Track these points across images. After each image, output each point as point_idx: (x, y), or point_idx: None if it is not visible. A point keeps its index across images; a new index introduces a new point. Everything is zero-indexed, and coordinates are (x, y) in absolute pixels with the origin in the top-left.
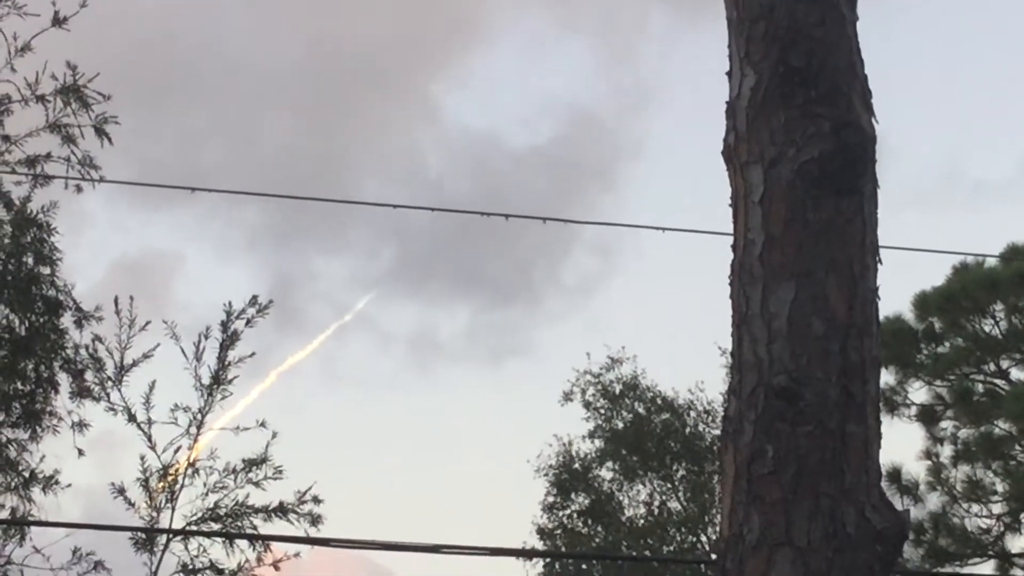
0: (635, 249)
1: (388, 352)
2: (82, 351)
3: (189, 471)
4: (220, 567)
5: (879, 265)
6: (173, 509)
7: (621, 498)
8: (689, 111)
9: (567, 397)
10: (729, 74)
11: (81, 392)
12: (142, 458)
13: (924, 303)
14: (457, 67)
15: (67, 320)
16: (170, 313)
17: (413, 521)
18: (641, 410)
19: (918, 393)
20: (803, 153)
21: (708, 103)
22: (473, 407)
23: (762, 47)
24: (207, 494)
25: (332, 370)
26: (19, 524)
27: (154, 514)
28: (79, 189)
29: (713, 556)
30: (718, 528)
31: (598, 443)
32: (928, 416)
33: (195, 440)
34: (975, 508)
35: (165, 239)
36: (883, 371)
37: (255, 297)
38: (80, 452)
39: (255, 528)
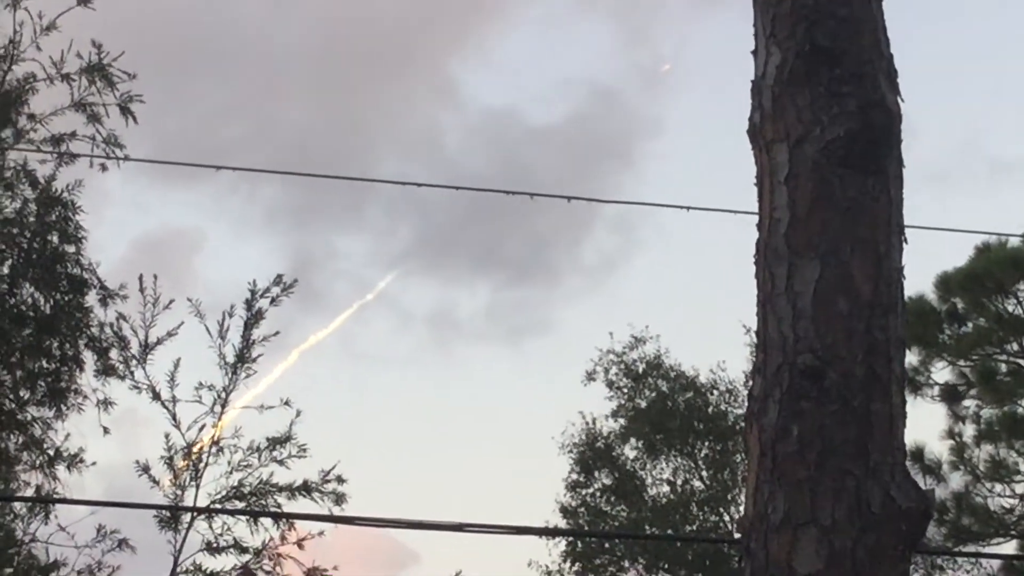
0: (656, 227)
1: (407, 330)
2: (107, 329)
3: (213, 449)
4: (244, 545)
5: (904, 244)
6: (197, 487)
7: (644, 476)
8: (709, 89)
9: (590, 376)
10: (754, 52)
11: (106, 370)
12: (167, 436)
13: (947, 283)
14: (475, 45)
15: (92, 298)
16: (191, 290)
17: (434, 498)
18: (665, 389)
19: (941, 373)
20: (829, 132)
21: (729, 81)
22: (493, 386)
23: (788, 25)
24: (231, 472)
25: (351, 348)
26: (45, 502)
27: (178, 492)
28: (104, 168)
29: (737, 535)
30: (742, 507)
31: (621, 422)
32: (951, 396)
33: (219, 418)
34: (998, 488)
35: (184, 216)
36: (907, 351)
37: (280, 276)
38: (105, 430)
39: (279, 506)
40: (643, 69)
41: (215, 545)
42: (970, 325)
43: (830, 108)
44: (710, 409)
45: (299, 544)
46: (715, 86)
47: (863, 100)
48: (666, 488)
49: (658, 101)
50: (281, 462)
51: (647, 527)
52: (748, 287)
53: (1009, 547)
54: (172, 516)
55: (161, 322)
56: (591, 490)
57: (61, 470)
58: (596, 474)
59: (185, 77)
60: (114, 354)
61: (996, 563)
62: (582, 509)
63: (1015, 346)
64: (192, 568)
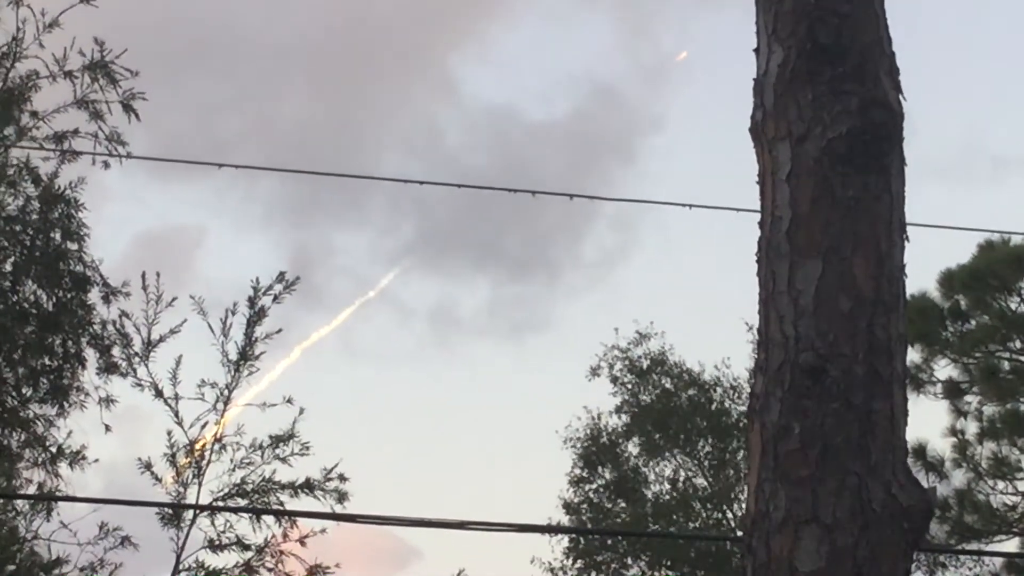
0: (656, 224)
1: (408, 327)
2: (109, 327)
3: (216, 447)
4: (247, 542)
5: (906, 242)
6: (200, 485)
7: (647, 473)
8: (710, 84)
9: (594, 372)
10: (756, 51)
11: (108, 368)
12: (169, 433)
13: (950, 281)
14: (476, 40)
15: (94, 296)
16: (191, 286)
17: (436, 494)
18: (668, 385)
19: (944, 370)
20: (831, 130)
21: (729, 77)
22: (494, 382)
23: (790, 23)
24: (234, 470)
25: (352, 344)
26: (47, 499)
27: (181, 489)
28: (106, 165)
29: (739, 533)
30: (744, 505)
31: (624, 418)
32: (953, 393)
33: (222, 416)
34: (1000, 485)
35: (183, 212)
36: (909, 349)
37: (282, 274)
38: (107, 428)
39: (282, 504)
40: (644, 65)
41: (217, 543)
42: (972, 322)
43: (832, 106)
44: (713, 406)
45: (301, 541)
46: (716, 82)
47: (865, 98)
48: (668, 486)
49: (659, 97)
50: (284, 459)
51: (649, 524)
52: (750, 284)
53: (1012, 544)
54: (174, 513)
55: (163, 319)
56: (594, 486)
57: (63, 467)
58: (600, 469)
59: (185, 72)
60: (116, 351)
61: (999, 561)
62: (584, 505)
63: (1018, 343)
64: (194, 565)
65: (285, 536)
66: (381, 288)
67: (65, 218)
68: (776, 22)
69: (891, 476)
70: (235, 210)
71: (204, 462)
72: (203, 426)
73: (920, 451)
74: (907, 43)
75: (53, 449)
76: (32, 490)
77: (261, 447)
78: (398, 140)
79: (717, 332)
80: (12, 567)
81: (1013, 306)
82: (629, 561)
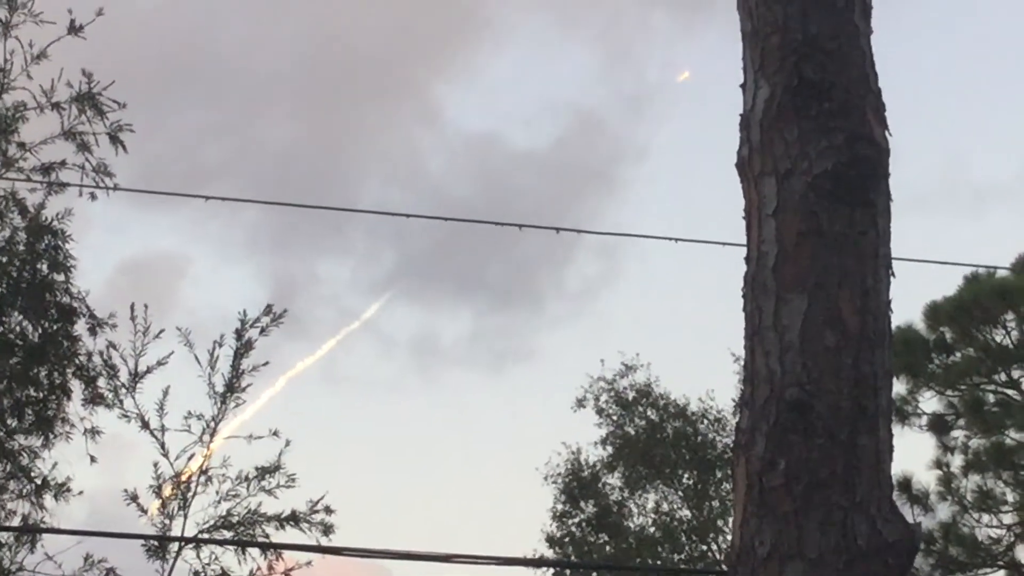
0: (640, 254)
1: (391, 356)
2: (95, 358)
3: (202, 479)
4: (232, 575)
5: (891, 278)
6: (185, 517)
7: (630, 506)
8: (694, 113)
9: (580, 403)
10: (743, 86)
11: (94, 399)
12: (155, 465)
13: (935, 313)
14: (459, 68)
15: (81, 327)
16: (175, 314)
17: (421, 525)
18: (654, 417)
19: (929, 403)
20: (817, 166)
21: (715, 107)
22: (477, 412)
23: (777, 59)
24: (220, 502)
25: (334, 374)
26: (32, 532)
27: (166, 521)
28: (93, 196)
29: (724, 567)
30: (728, 538)
31: (608, 450)
32: (939, 426)
33: (208, 448)
34: (985, 518)
35: (167, 240)
36: (894, 381)
37: (270, 306)
38: (92, 459)
39: (267, 536)
40: (627, 93)
41: (203, 575)
42: (958, 354)
43: (818, 142)
44: (699, 438)
45: (287, 574)
46: (701, 112)
47: (851, 134)
48: (652, 518)
49: (643, 126)
50: (269, 491)
51: (635, 558)
52: (735, 315)
53: None
54: (160, 546)
55: (151, 350)
56: (577, 520)
57: (48, 499)
58: (582, 504)
59: (168, 99)
60: (103, 382)
61: None
62: (567, 539)
63: (1003, 376)
64: None
65: (271, 569)
66: (365, 319)
67: (52, 249)
68: (763, 58)
69: (876, 511)
70: (218, 238)
71: (190, 494)
72: (189, 458)
73: (905, 484)
74: (888, 69)
75: (38, 481)
76: (16, 522)
77: (247, 479)
78: (381, 167)
79: (702, 364)
80: None
81: (999, 338)
82: None
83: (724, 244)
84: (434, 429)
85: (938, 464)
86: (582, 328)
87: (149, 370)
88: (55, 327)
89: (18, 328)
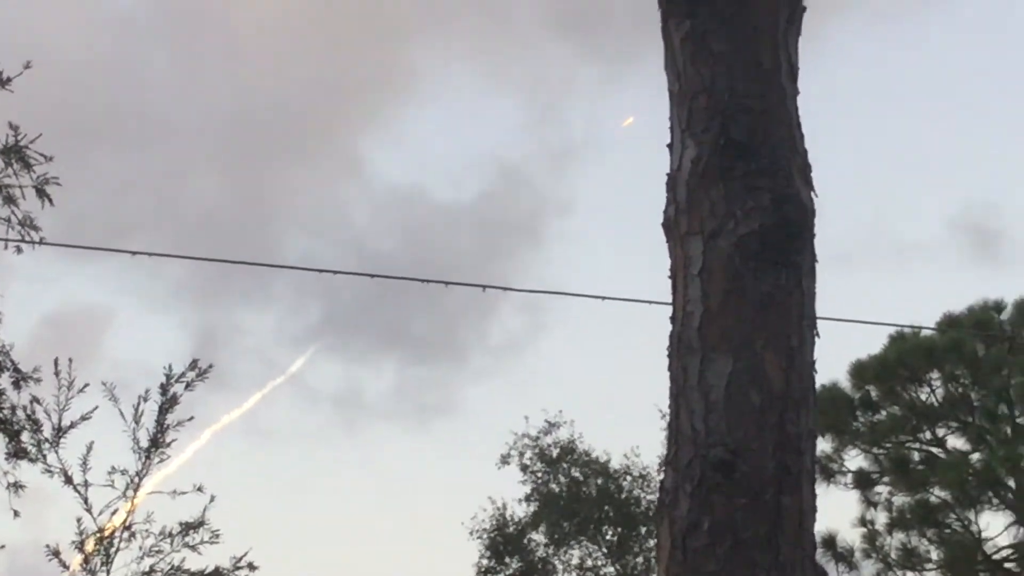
0: (564, 309)
1: (315, 409)
2: (19, 412)
3: (125, 534)
4: None
5: (816, 337)
6: (108, 572)
7: (555, 563)
8: (618, 168)
9: (504, 460)
10: (670, 146)
11: (17, 453)
12: (78, 520)
13: (861, 371)
14: (383, 122)
15: (4, 380)
16: (99, 366)
17: None
18: (577, 474)
19: (854, 460)
20: (743, 226)
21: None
22: (401, 466)
23: (704, 119)
24: (143, 558)
25: (258, 427)
26: None
27: None
28: (19, 250)
29: None
30: None
31: (533, 506)
32: (864, 483)
33: (131, 503)
34: (909, 575)
35: (90, 291)
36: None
37: (195, 361)
38: (16, 513)
39: None
40: (554, 148)
41: None
42: (883, 413)
43: (744, 202)
44: (622, 495)
45: None
46: (624, 166)
47: (777, 195)
48: (576, 574)
49: (569, 180)
50: (193, 547)
51: None
52: (661, 371)
53: None
54: None
55: (74, 404)
56: None
57: None
58: (507, 560)
59: (92, 150)
60: (26, 436)
61: None
62: None
63: (928, 434)
64: None
65: None
66: (291, 373)
67: None
68: (690, 117)
69: (800, 571)
70: (141, 290)
71: (113, 550)
72: (113, 513)
73: (830, 541)
74: (814, 130)
75: None
76: None
77: (171, 535)
78: (305, 220)
79: (627, 420)
80: None
81: (923, 397)
82: None
83: (650, 303)
84: (359, 483)
85: (863, 521)
86: (506, 382)
87: (73, 425)
88: None
89: None
